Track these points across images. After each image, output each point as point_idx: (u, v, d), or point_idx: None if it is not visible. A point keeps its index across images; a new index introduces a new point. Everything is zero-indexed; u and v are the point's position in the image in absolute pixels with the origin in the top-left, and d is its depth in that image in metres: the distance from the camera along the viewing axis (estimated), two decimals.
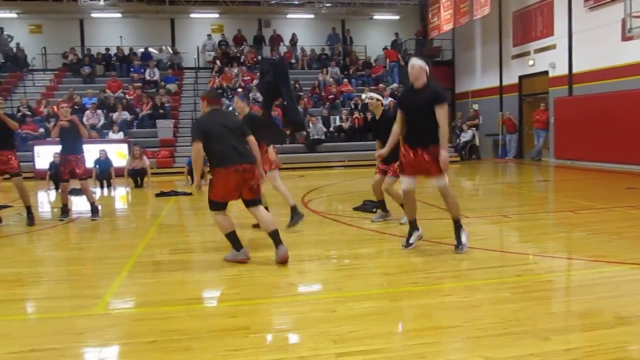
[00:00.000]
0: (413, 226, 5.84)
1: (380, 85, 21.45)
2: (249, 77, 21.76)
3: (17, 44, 23.28)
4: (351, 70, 23.70)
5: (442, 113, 5.34)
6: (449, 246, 5.69)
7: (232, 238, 5.45)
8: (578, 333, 3.49)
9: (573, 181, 12.90)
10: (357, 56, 25.11)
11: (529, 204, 9.73)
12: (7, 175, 8.16)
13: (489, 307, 3.95)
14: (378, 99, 7.30)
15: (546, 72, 18.44)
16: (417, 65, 5.47)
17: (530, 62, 19.24)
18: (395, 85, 21.88)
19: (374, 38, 26.24)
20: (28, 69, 22.97)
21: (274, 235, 5.37)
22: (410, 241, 5.79)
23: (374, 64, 24.32)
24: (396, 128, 5.79)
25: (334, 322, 3.69)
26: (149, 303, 4.23)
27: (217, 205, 5.45)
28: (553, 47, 18.02)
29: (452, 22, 21.87)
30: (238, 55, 23.83)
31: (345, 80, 22.55)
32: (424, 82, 5.47)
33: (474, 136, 20.67)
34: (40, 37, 24.25)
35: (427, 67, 5.52)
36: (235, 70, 22.25)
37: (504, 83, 21.07)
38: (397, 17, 26.14)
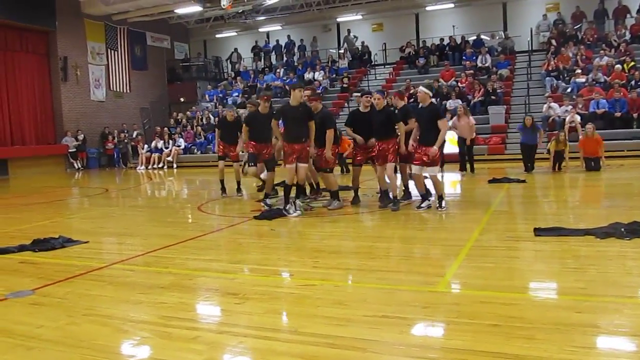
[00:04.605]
0: None
1: None
2: (587, 57, 19.95)
3: (362, 42, 26.02)
4: None
5: None
6: None
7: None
8: None
9: None
10: None
11: None
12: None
13: None
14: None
15: None
16: None
17: None
18: None
19: None
20: (371, 64, 25.44)
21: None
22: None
23: None
24: None
25: None
26: (488, 287, 4.27)
27: None
28: None
29: None
30: (575, 33, 22.05)
31: None
32: None
33: None
34: (381, 34, 26.74)
35: None
36: (572, 50, 20.64)
37: None
38: None
